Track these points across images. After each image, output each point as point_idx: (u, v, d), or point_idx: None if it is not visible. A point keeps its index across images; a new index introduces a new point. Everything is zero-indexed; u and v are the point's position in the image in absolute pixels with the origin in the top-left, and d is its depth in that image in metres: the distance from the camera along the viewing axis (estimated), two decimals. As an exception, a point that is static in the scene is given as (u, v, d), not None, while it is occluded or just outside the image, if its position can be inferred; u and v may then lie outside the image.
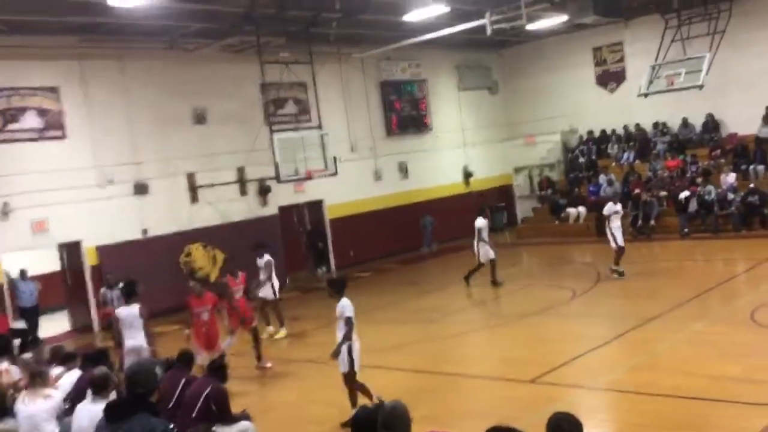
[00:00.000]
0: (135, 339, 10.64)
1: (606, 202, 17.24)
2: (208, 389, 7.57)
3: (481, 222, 17.03)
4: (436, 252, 24.41)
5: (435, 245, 24.94)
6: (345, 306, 9.02)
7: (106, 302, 15.06)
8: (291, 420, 9.70)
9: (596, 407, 8.90)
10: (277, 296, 14.74)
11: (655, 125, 25.15)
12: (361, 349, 9.12)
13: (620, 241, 16.06)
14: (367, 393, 8.99)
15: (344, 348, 8.94)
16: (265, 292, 14.56)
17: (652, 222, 21.59)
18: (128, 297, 10.97)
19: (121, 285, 13.84)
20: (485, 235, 16.98)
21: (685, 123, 24.37)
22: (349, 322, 8.97)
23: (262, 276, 14.55)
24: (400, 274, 21.03)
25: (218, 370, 8.07)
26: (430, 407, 9.09)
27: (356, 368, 9.01)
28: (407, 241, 24.57)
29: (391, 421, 4.63)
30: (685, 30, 20.56)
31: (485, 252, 16.91)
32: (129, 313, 10.70)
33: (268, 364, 12.24)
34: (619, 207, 16.59)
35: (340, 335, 9.01)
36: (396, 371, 11.21)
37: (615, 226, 16.10)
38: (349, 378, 9.05)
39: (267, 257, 14.67)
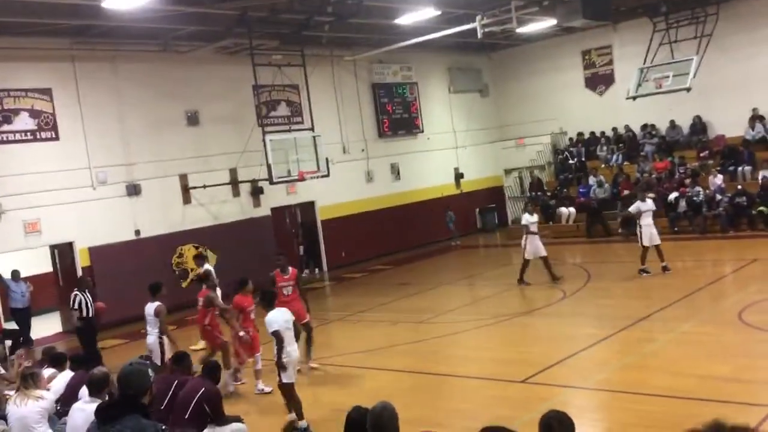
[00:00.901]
0: (150, 335, 11.38)
1: (593, 203, 17.23)
2: (202, 390, 7.62)
3: (527, 217, 16.42)
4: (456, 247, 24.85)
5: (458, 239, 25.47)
6: (269, 321, 9.09)
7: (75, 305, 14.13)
8: (282, 420, 9.75)
9: (587, 407, 9.01)
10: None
11: (644, 127, 25.33)
12: (296, 361, 9.42)
13: (645, 240, 15.75)
14: (297, 410, 8.92)
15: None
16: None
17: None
18: (153, 295, 11.56)
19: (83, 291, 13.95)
20: (534, 229, 16.36)
21: (673, 125, 24.57)
22: (275, 335, 8.95)
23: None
24: (391, 275, 21.12)
25: (212, 371, 8.14)
26: (422, 408, 9.18)
27: (290, 379, 8.96)
28: (399, 242, 24.69)
29: (381, 422, 4.70)
30: (673, 33, 20.77)
31: (534, 249, 16.23)
32: (147, 310, 11.42)
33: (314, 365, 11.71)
34: (648, 204, 16.10)
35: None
36: (388, 372, 11.28)
37: (644, 224, 15.84)
38: (283, 388, 9.07)
39: (207, 266, 14.30)
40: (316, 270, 23.11)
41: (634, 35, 23.94)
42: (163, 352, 11.09)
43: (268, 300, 9.52)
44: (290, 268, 11.78)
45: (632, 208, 16.23)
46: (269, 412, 9.91)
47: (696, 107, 23.41)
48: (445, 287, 18.16)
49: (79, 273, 17.72)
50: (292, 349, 9.11)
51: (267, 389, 10.72)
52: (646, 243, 15.78)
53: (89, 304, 13.69)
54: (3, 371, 11.16)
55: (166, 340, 11.31)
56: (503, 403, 9.29)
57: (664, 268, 15.91)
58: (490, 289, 17.15)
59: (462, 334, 13.16)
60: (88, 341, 13.60)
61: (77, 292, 13.70)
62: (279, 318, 9.14)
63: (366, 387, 10.38)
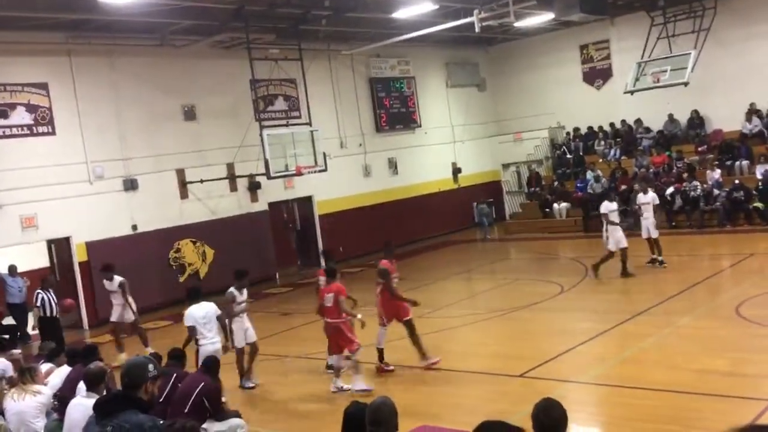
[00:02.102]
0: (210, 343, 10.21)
1: (594, 198, 17.25)
2: (201, 385, 7.63)
3: (607, 205, 15.51)
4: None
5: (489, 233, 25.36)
6: (185, 316, 10.05)
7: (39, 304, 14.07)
8: (281, 415, 9.77)
9: (585, 401, 9.02)
10: (137, 317, 13.75)
11: (637, 123, 25.35)
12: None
13: (653, 233, 15.74)
14: None
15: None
16: (121, 316, 13.56)
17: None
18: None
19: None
20: (615, 218, 15.46)
21: (672, 118, 24.57)
22: (191, 330, 9.93)
23: (117, 300, 13.51)
24: (389, 270, 21.05)
25: (211, 366, 8.14)
26: (420, 403, 9.19)
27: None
28: (396, 237, 24.60)
29: (379, 417, 4.68)
30: (671, 27, 20.79)
31: (616, 240, 15.28)
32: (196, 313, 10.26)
33: (436, 359, 10.87)
34: (650, 198, 15.99)
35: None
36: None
37: (643, 217, 15.89)
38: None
39: (118, 278, 13.58)
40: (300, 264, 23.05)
41: (631, 29, 23.92)
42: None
43: (192, 296, 10.37)
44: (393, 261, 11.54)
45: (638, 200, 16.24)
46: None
47: (694, 101, 23.41)
48: (442, 282, 18.16)
49: (76, 268, 17.73)
50: (208, 342, 9.88)
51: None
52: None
53: (53, 303, 13.77)
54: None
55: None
56: (501, 397, 9.30)
57: (660, 262, 15.92)
58: (487, 283, 17.16)
59: (460, 329, 13.17)
60: (54, 339, 13.55)
61: (40, 291, 13.90)
62: (196, 313, 9.99)
63: (364, 382, 10.37)
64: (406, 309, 11.10)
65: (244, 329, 10.96)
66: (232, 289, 10.92)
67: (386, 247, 12.16)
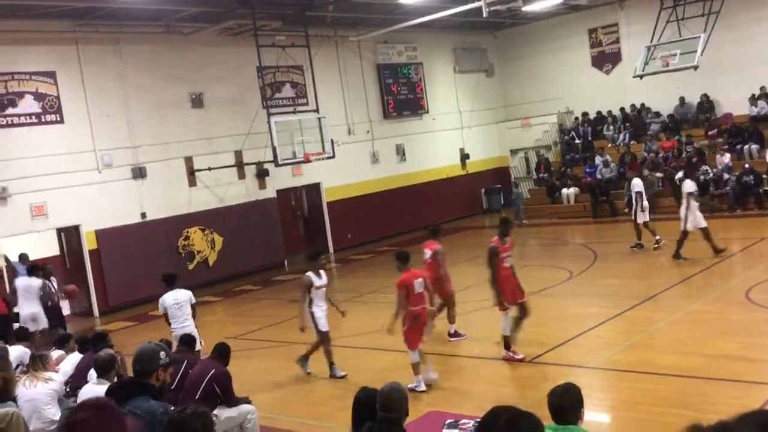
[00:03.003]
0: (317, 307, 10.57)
1: (603, 184, 17.22)
2: (212, 371, 7.66)
3: (690, 185, 15.27)
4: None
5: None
6: (159, 303, 10.66)
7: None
8: (290, 401, 9.81)
9: (594, 386, 9.01)
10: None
11: (645, 109, 25.21)
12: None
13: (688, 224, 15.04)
14: None
15: None
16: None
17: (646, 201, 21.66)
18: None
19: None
20: (694, 199, 15.17)
21: (683, 102, 24.41)
22: (164, 316, 10.59)
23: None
24: (397, 257, 21.05)
25: (222, 352, 8.17)
26: (429, 388, 9.20)
27: None
28: (405, 223, 24.65)
29: (390, 403, 4.70)
30: (680, 11, 20.54)
31: (694, 219, 14.92)
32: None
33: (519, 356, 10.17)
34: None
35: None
36: (394, 353, 11.25)
37: (644, 204, 16.22)
38: None
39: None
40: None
41: (640, 13, 23.73)
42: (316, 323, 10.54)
43: (168, 281, 10.74)
44: (508, 238, 10.91)
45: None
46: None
47: (703, 85, 23.25)
48: (451, 268, 18.01)
49: (86, 256, 17.80)
50: (179, 326, 10.25)
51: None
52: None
53: (53, 291, 13.86)
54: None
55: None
56: (511, 383, 9.32)
57: (657, 241, 16.22)
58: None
59: (468, 315, 13.15)
60: (55, 324, 13.70)
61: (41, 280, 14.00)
62: (167, 300, 10.49)
63: (373, 367, 10.41)
64: (521, 290, 10.42)
65: (325, 313, 10.62)
66: (308, 273, 10.66)
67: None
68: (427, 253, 11.88)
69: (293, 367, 11.08)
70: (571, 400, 4.63)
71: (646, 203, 16.47)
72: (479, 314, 13.23)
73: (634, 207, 16.45)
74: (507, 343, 10.06)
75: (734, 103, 23.32)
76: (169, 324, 10.50)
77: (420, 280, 9.52)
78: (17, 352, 9.14)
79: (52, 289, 13.97)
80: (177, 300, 10.50)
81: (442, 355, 10.81)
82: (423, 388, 9.15)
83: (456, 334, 11.68)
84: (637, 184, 16.59)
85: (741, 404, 7.48)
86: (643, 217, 16.37)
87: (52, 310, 14.01)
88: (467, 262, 18.97)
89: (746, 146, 22.00)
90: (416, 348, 9.32)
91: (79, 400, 6.73)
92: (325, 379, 10.35)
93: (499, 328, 10.11)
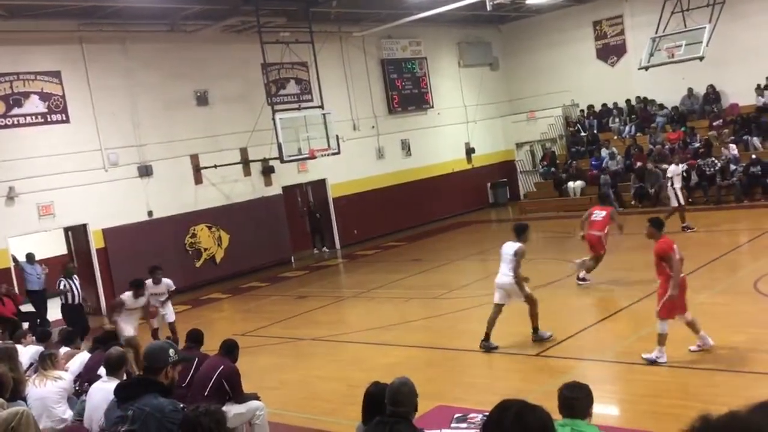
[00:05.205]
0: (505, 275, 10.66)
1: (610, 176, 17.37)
2: (221, 368, 7.67)
3: (673, 169, 17.89)
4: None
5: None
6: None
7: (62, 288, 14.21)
8: (299, 397, 9.83)
9: (602, 378, 9.01)
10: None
11: (649, 102, 25.15)
12: None
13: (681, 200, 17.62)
14: None
15: None
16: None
17: (651, 191, 21.68)
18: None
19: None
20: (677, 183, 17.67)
21: (690, 93, 24.33)
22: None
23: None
24: (404, 252, 21.13)
25: (231, 349, 8.18)
26: (437, 382, 9.21)
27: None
28: (411, 219, 24.67)
29: (398, 397, 4.72)
30: (685, 1, 20.45)
31: (673, 198, 17.67)
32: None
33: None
34: (680, 168, 18.13)
35: None
36: (402, 347, 11.32)
37: (677, 187, 17.57)
38: None
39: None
40: (324, 248, 23.09)
41: (645, 4, 23.64)
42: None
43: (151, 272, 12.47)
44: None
45: (669, 172, 18.05)
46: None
47: (709, 76, 23.16)
48: (457, 263, 18.15)
49: (94, 255, 17.86)
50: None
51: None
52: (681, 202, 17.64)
53: (75, 291, 13.86)
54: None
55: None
56: (518, 376, 9.31)
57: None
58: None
59: (476, 309, 13.14)
60: (78, 326, 13.67)
61: (63, 279, 14.13)
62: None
63: (381, 363, 10.41)
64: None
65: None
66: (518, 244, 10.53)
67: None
68: (600, 213, 13.75)
69: (301, 364, 11.12)
70: (581, 395, 4.65)
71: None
72: (485, 308, 13.22)
73: (675, 193, 17.56)
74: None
75: (740, 93, 23.25)
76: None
77: (675, 246, 9.02)
78: (32, 351, 9.18)
79: (75, 289, 13.94)
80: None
81: (449, 350, 10.82)
82: (665, 360, 8.75)
83: (584, 279, 13.61)
84: (673, 170, 17.79)
85: (750, 395, 7.44)
86: (676, 201, 17.62)
87: (72, 310, 13.98)
88: (474, 257, 18.99)
89: (753, 137, 21.89)
90: (670, 318, 8.81)
91: (88, 397, 6.76)
92: (331, 375, 10.36)
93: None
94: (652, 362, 8.73)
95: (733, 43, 22.20)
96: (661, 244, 9.02)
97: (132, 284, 11.94)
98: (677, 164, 18.23)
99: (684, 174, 21.25)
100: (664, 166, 22.23)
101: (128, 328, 11.72)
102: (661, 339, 8.81)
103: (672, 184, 17.74)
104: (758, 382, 7.90)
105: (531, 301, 10.50)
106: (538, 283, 14.26)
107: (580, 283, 13.56)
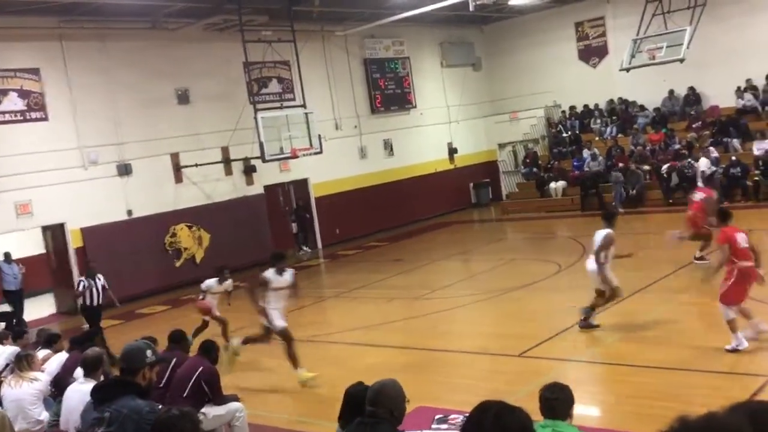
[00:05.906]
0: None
1: (590, 176, 17.38)
2: (200, 369, 7.59)
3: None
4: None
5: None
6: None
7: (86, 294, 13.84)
8: (279, 398, 9.76)
9: (583, 379, 9.01)
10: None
11: (630, 103, 25.29)
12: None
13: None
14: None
15: None
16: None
17: (633, 192, 21.78)
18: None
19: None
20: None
21: (671, 95, 24.48)
22: None
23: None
24: (386, 252, 21.10)
25: (209, 350, 8.11)
26: (418, 383, 9.13)
27: None
28: (393, 219, 24.64)
29: (380, 398, 4.64)
30: (666, 3, 20.56)
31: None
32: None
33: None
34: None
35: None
36: (383, 348, 11.28)
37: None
38: None
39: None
40: (305, 248, 22.97)
41: (627, 6, 23.77)
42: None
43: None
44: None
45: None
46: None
47: (690, 78, 23.32)
48: (440, 263, 18.14)
49: (72, 254, 17.66)
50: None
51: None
52: None
53: (95, 291, 13.59)
54: None
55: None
56: (500, 377, 9.29)
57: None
58: (485, 263, 17.12)
59: (458, 310, 13.16)
60: (92, 323, 13.55)
61: (83, 279, 13.81)
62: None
63: (363, 363, 10.37)
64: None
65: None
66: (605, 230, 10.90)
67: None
68: (699, 195, 14.07)
69: (282, 365, 11.03)
70: (562, 396, 4.64)
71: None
72: (467, 309, 13.23)
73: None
74: (733, 326, 8.95)
75: (721, 95, 23.41)
76: None
77: (743, 234, 9.23)
78: (8, 352, 9.06)
79: (95, 289, 13.68)
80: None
81: (431, 351, 10.79)
82: (746, 345, 8.72)
83: (701, 258, 13.47)
84: (704, 162, 18.97)
85: (729, 396, 7.49)
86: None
87: (88, 310, 13.76)
88: (456, 257, 19.01)
89: (733, 139, 22.04)
90: (734, 305, 8.84)
91: (64, 399, 6.66)
92: (316, 376, 10.29)
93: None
94: (734, 350, 8.72)
95: (713, 46, 22.35)
96: (719, 234, 9.44)
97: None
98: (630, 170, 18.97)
99: (665, 175, 21.46)
100: (645, 167, 22.42)
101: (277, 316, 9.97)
102: (731, 326, 8.81)
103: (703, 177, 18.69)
104: (737, 383, 7.94)
105: (602, 295, 10.72)
106: (520, 284, 14.33)
107: (697, 262, 13.50)
